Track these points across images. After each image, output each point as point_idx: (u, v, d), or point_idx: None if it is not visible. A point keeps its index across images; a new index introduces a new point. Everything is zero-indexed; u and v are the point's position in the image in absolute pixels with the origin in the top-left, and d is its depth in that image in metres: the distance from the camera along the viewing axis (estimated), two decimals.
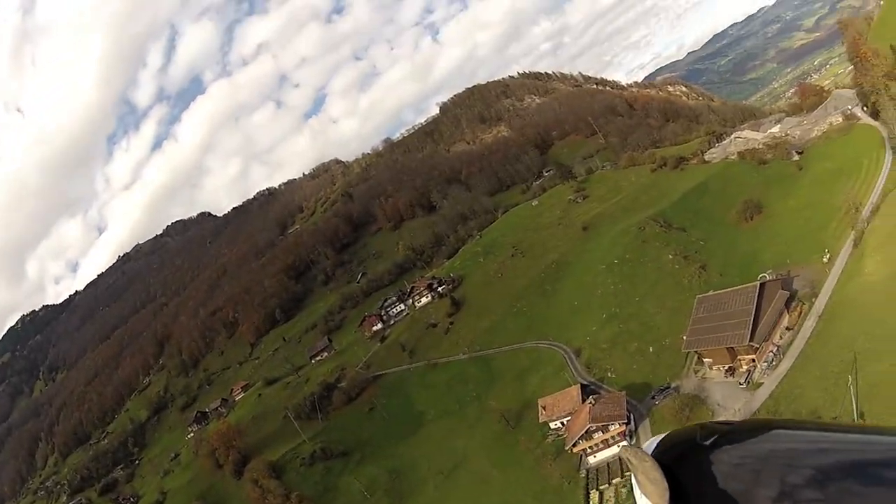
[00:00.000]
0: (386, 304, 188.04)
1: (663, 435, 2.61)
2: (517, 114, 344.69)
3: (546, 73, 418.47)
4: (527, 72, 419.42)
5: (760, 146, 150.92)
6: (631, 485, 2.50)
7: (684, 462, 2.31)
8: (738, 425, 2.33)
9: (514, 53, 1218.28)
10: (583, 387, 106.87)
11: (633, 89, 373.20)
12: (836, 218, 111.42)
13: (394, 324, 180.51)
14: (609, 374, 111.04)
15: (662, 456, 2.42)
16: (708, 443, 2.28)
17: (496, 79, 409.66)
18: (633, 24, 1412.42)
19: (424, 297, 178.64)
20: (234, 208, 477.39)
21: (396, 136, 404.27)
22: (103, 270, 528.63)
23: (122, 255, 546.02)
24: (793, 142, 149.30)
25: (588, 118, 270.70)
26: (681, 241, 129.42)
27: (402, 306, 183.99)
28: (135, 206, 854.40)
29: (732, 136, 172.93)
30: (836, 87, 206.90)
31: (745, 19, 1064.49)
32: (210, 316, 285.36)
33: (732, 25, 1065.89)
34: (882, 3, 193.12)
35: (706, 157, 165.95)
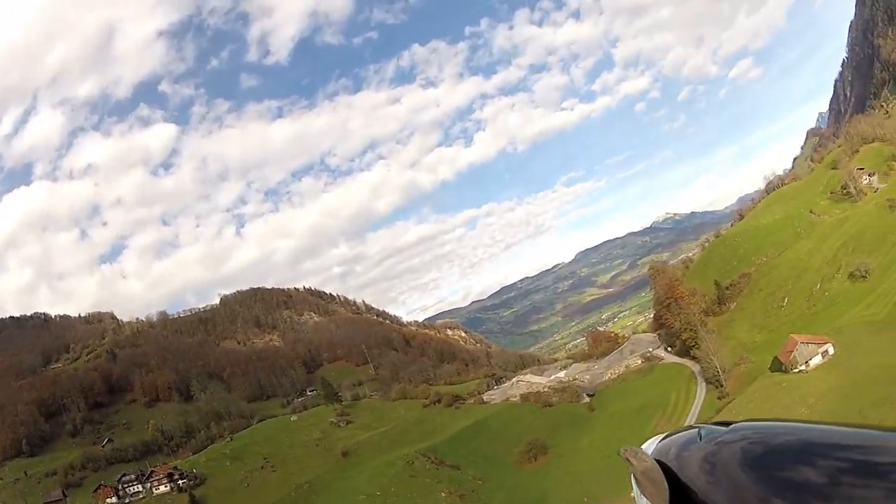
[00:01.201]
0: (124, 479, 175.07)
1: (663, 435, 2.79)
2: (293, 327, 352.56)
3: (330, 293, 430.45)
4: (312, 288, 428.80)
5: (545, 389, 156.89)
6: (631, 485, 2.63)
7: (684, 462, 2.40)
8: (738, 426, 2.40)
9: (307, 268, 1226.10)
10: None
11: (413, 327, 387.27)
12: None
13: (129, 503, 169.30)
14: None
15: (662, 456, 2.53)
16: (708, 443, 2.39)
17: (282, 287, 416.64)
18: (426, 266, 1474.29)
19: (163, 486, 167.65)
20: (10, 316, 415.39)
21: (174, 312, 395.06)
22: None
23: None
24: (583, 385, 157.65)
25: (363, 346, 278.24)
26: (455, 479, 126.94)
27: (140, 488, 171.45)
28: None
29: (514, 380, 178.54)
30: (635, 333, 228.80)
31: (538, 274, 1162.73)
32: None
33: (523, 279, 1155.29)
34: (706, 246, 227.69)
35: (485, 398, 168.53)
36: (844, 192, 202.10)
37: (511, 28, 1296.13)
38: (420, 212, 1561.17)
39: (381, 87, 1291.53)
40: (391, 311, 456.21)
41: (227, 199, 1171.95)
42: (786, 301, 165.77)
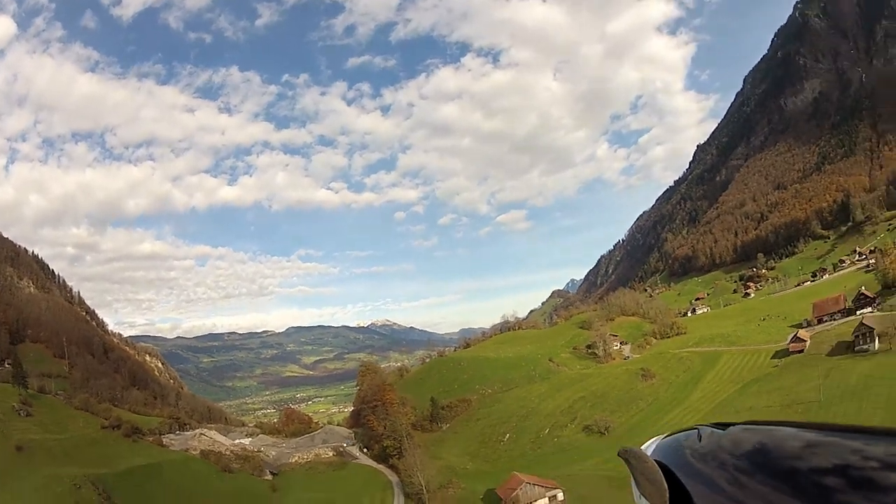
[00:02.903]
0: None
1: (663, 436, 2.89)
2: (10, 289, 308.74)
3: (53, 271, 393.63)
4: (40, 258, 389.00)
5: (228, 452, 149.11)
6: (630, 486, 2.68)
7: (684, 463, 2.45)
8: (737, 426, 2.45)
9: (44, 235, 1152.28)
10: None
11: (115, 338, 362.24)
12: None
13: None
14: None
15: (662, 457, 2.60)
16: (707, 444, 2.45)
17: (15, 241, 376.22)
18: (148, 284, 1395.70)
19: None
20: None
21: None
22: None
23: None
24: (267, 461, 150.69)
25: (64, 339, 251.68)
26: None
27: None
28: None
29: (197, 432, 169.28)
30: (329, 423, 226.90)
31: (247, 333, 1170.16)
32: None
33: (231, 334, 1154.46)
34: (426, 360, 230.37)
35: (164, 440, 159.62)
36: (590, 351, 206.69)
37: (323, 94, 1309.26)
38: (162, 228, 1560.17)
39: (187, 91, 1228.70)
40: (101, 314, 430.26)
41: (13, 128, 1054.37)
42: (507, 437, 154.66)
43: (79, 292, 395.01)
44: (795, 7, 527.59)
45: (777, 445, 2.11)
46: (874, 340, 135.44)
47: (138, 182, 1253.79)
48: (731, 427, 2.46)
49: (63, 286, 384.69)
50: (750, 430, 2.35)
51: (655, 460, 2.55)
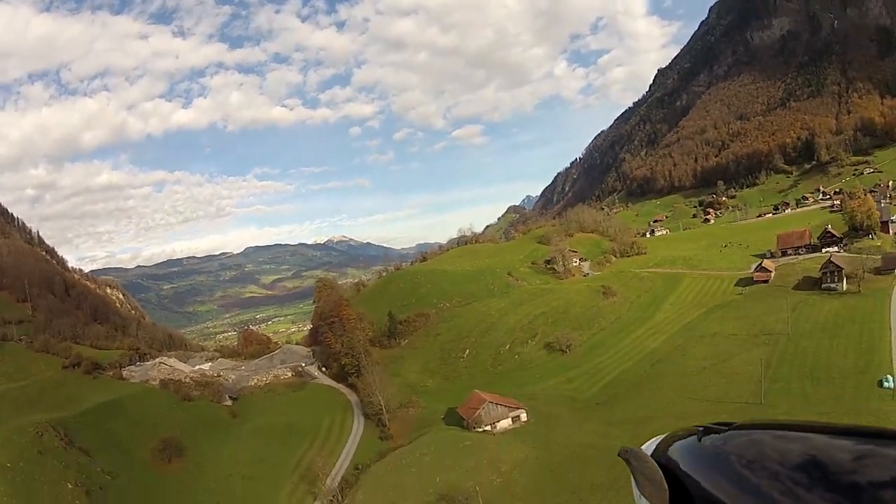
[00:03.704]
0: None
1: (663, 436, 2.86)
2: None
3: (13, 214, 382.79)
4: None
5: (187, 380, 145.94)
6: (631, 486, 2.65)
7: (684, 463, 2.45)
8: (738, 426, 2.48)
9: (3, 181, 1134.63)
10: None
11: (76, 275, 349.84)
12: (290, 482, 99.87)
13: None
14: None
15: (662, 457, 2.59)
16: (708, 444, 2.47)
17: None
18: (107, 215, 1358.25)
19: None
20: None
21: None
22: None
23: None
24: (227, 385, 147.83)
25: (26, 283, 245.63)
26: (84, 469, 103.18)
27: None
28: None
29: (157, 361, 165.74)
30: (288, 342, 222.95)
31: (205, 256, 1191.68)
32: None
33: (190, 258, 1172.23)
34: (384, 274, 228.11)
35: (124, 373, 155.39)
36: (549, 266, 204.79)
37: (277, 12, 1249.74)
38: (119, 158, 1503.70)
39: (140, 19, 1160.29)
40: (62, 252, 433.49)
41: None
42: (467, 353, 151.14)
43: (38, 232, 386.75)
44: None
45: (779, 445, 2.13)
46: (842, 280, 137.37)
47: (94, 114, 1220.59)
48: (733, 426, 2.48)
49: (22, 228, 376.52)
50: (751, 430, 2.37)
51: (656, 460, 2.55)
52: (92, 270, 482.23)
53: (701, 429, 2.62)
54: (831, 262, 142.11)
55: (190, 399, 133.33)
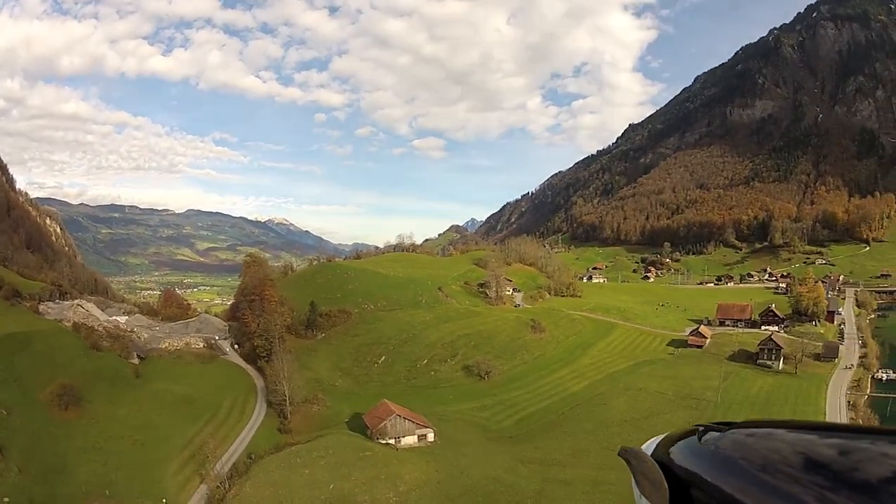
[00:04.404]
0: None
1: (663, 435, 2.87)
2: None
3: None
4: None
5: (100, 328, 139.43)
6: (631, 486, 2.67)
7: (684, 463, 2.46)
8: (738, 426, 2.48)
9: None
10: None
11: (21, 197, 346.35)
12: (179, 458, 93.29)
13: None
14: None
15: (662, 456, 2.60)
16: (708, 443, 2.46)
17: None
18: (65, 145, 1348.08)
19: None
20: None
21: None
22: None
23: None
24: (137, 342, 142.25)
25: None
26: None
27: None
28: None
29: (76, 302, 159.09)
30: (206, 312, 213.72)
31: (146, 209, 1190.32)
32: None
33: (132, 207, 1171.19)
34: (313, 263, 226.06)
35: (41, 308, 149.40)
36: (481, 290, 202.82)
37: None
38: (89, 90, 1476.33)
39: None
40: (15, 171, 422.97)
41: None
42: (382, 359, 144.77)
43: None
44: (771, 31, 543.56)
45: (779, 445, 2.12)
46: (780, 359, 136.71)
47: (78, 39, 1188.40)
48: (733, 426, 2.47)
49: None
50: (751, 430, 2.36)
51: (655, 460, 2.56)
52: (37, 198, 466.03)
53: (701, 428, 2.61)
54: (771, 339, 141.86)
55: (98, 349, 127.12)
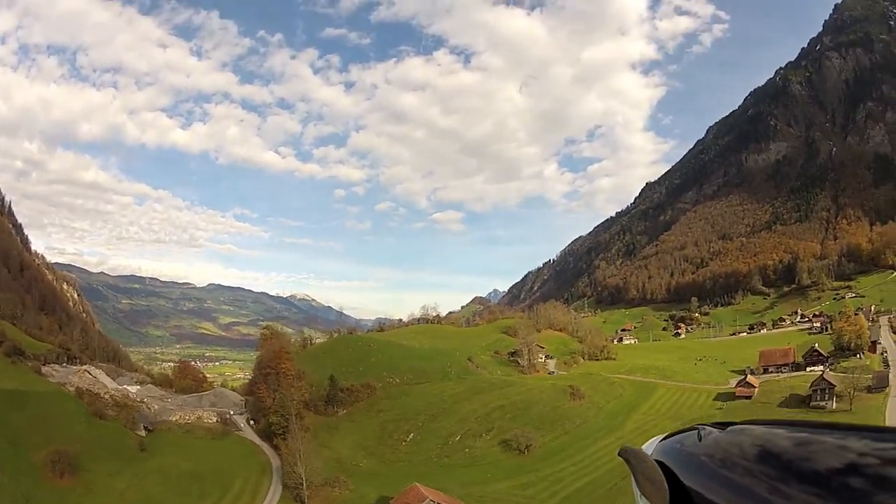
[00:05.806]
0: None
1: (663, 436, 2.81)
2: None
3: None
4: None
5: (106, 396, 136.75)
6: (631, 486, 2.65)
7: (684, 463, 2.43)
8: (738, 426, 2.43)
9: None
10: None
11: (36, 259, 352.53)
12: None
13: None
14: None
15: (662, 457, 2.56)
16: (708, 443, 2.41)
17: None
18: (85, 213, 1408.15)
19: None
20: None
21: None
22: None
23: None
24: (146, 413, 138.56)
25: None
26: None
27: None
28: None
29: (83, 368, 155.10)
30: (223, 385, 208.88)
31: (168, 282, 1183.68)
32: None
33: (153, 280, 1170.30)
34: (334, 335, 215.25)
35: (44, 370, 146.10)
36: (512, 359, 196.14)
37: (293, 58, 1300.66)
38: (108, 159, 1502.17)
39: (164, 26, 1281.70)
40: (34, 235, 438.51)
41: None
42: (411, 437, 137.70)
43: (10, 203, 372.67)
44: (778, 71, 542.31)
45: (778, 445, 2.12)
46: (832, 398, 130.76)
47: (97, 107, 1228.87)
48: (733, 426, 2.46)
49: None
50: (750, 429, 2.35)
51: (656, 460, 2.55)
52: (57, 263, 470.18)
53: (701, 428, 2.59)
54: (824, 378, 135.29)
55: (102, 417, 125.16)
